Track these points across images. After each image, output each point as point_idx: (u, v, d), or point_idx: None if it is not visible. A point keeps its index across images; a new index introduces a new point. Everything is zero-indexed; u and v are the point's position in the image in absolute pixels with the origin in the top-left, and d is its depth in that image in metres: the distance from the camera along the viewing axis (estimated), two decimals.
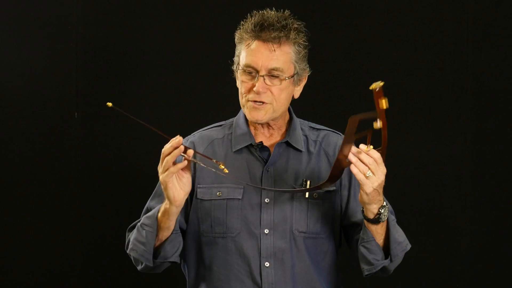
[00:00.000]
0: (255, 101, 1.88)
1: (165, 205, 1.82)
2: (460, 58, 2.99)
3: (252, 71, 1.88)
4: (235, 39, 1.94)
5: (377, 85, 1.73)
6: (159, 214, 1.85)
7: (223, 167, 1.79)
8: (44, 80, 3.08)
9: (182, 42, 3.07)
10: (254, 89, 1.86)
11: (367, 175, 1.74)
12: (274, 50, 1.86)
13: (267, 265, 1.88)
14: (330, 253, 1.96)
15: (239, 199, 1.90)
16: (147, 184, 2.99)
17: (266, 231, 1.89)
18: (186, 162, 1.77)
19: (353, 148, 1.76)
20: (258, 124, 1.93)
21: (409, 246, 1.92)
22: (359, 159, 1.75)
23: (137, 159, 3.06)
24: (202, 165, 1.83)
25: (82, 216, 3.10)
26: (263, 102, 1.88)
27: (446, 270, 3.00)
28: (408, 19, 3.01)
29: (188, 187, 1.81)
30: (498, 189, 2.99)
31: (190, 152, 1.76)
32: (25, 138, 3.08)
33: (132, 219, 3.01)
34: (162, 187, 1.79)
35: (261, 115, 1.89)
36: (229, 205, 1.90)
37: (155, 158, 3.07)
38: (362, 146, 1.77)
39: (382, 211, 1.80)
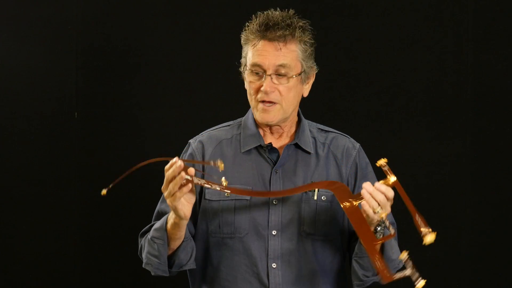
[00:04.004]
0: (264, 102, 1.87)
1: (174, 219, 1.81)
2: (460, 58, 2.99)
3: (259, 71, 1.87)
4: (241, 41, 1.94)
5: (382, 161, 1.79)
6: (169, 226, 1.84)
7: (221, 164, 1.77)
8: (44, 80, 3.08)
9: (183, 42, 3.07)
10: (262, 88, 1.86)
11: (376, 211, 1.75)
12: (280, 48, 1.86)
13: (274, 266, 1.88)
14: (338, 256, 1.95)
15: (247, 199, 1.89)
16: (147, 183, 3.00)
17: (274, 232, 1.88)
18: (190, 185, 1.75)
19: (368, 184, 1.76)
20: (269, 126, 1.93)
21: (401, 264, 1.91)
22: (372, 196, 1.75)
23: (137, 159, 3.05)
24: (206, 186, 1.80)
25: (82, 216, 3.09)
26: (272, 103, 1.87)
27: (446, 270, 3.00)
28: (408, 19, 3.01)
29: (193, 198, 1.80)
30: (498, 189, 2.99)
31: (191, 170, 1.76)
32: (25, 138, 3.08)
33: (132, 218, 3.03)
34: (171, 209, 1.78)
35: (271, 116, 1.88)
36: (237, 206, 1.89)
37: (155, 158, 3.08)
38: (377, 184, 1.77)
39: (378, 229, 1.80)
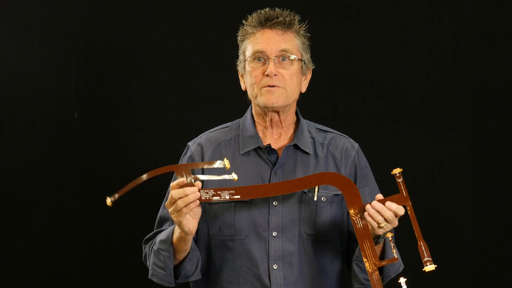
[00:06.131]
0: (268, 86, 1.88)
1: (179, 233, 1.82)
2: (460, 58, 2.99)
3: (262, 57, 1.89)
4: (238, 39, 1.96)
5: (397, 170, 1.78)
6: (174, 239, 1.85)
7: (227, 164, 1.77)
8: (44, 80, 3.07)
9: (183, 42, 3.06)
10: (267, 72, 1.87)
11: (381, 226, 1.75)
12: (282, 34, 1.90)
13: (275, 268, 1.88)
14: (338, 257, 1.96)
15: (247, 201, 1.89)
16: (148, 184, 2.99)
17: (274, 233, 1.89)
18: (198, 201, 1.77)
19: (376, 203, 1.76)
20: (273, 111, 1.92)
21: (402, 267, 1.93)
22: (380, 214, 1.75)
23: (137, 159, 3.06)
24: (215, 198, 1.81)
25: (82, 216, 3.09)
26: (276, 86, 1.88)
27: (446, 270, 3.00)
28: (408, 19, 3.01)
29: (199, 213, 1.80)
30: (498, 189, 2.99)
31: (198, 184, 1.77)
32: (25, 138, 3.08)
33: (133, 219, 3.03)
34: (176, 224, 1.79)
35: (275, 97, 1.88)
36: (237, 208, 1.90)
37: (155, 158, 3.08)
38: (388, 203, 1.76)
39: (381, 235, 1.81)
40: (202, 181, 1.81)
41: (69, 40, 3.08)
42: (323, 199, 1.91)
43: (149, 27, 3.07)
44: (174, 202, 1.75)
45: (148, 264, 1.94)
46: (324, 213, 1.91)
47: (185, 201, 1.74)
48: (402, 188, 1.78)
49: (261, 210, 1.89)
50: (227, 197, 1.80)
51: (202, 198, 1.78)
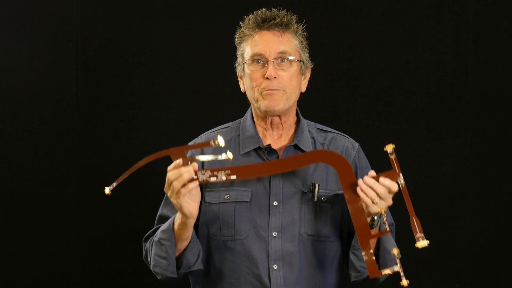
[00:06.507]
0: (269, 90, 1.88)
1: (181, 218, 1.82)
2: (460, 58, 2.99)
3: (261, 59, 1.89)
4: (236, 41, 1.96)
5: (389, 147, 1.78)
6: (176, 227, 1.85)
7: (220, 142, 1.77)
8: (44, 80, 3.08)
9: (183, 42, 3.07)
10: (266, 75, 1.87)
11: (375, 202, 1.75)
12: (280, 35, 1.90)
13: (275, 268, 1.88)
14: (338, 257, 1.96)
15: (247, 201, 1.90)
16: (148, 183, 3.00)
17: (275, 234, 1.89)
18: (197, 182, 1.77)
19: (368, 178, 1.76)
20: (274, 116, 1.92)
21: (399, 256, 1.92)
22: (373, 189, 1.75)
23: (137, 159, 3.05)
24: (212, 179, 1.81)
25: (82, 216, 3.09)
26: (276, 90, 1.88)
27: (446, 270, 3.00)
28: (408, 19, 3.01)
29: (199, 196, 1.81)
30: (498, 189, 2.99)
31: (195, 165, 1.77)
32: (25, 138, 3.08)
33: (132, 218, 3.03)
34: (176, 207, 1.79)
35: (276, 101, 1.88)
36: (237, 208, 1.90)
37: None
38: (382, 179, 1.76)
39: (375, 218, 1.81)
40: (202, 162, 1.83)
41: (69, 40, 3.08)
42: (323, 199, 1.91)
43: (149, 27, 3.07)
44: (170, 183, 1.75)
45: (149, 260, 1.93)
46: (324, 213, 1.91)
47: (180, 181, 1.74)
48: (395, 164, 1.77)
49: (261, 210, 1.89)
50: (224, 177, 1.80)
51: (200, 180, 1.78)
